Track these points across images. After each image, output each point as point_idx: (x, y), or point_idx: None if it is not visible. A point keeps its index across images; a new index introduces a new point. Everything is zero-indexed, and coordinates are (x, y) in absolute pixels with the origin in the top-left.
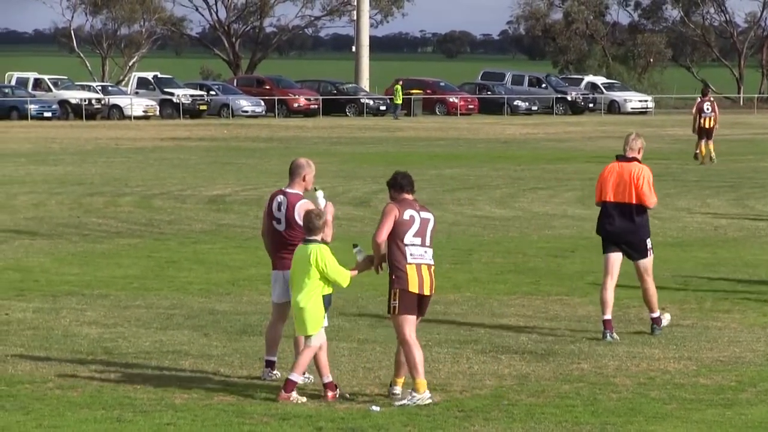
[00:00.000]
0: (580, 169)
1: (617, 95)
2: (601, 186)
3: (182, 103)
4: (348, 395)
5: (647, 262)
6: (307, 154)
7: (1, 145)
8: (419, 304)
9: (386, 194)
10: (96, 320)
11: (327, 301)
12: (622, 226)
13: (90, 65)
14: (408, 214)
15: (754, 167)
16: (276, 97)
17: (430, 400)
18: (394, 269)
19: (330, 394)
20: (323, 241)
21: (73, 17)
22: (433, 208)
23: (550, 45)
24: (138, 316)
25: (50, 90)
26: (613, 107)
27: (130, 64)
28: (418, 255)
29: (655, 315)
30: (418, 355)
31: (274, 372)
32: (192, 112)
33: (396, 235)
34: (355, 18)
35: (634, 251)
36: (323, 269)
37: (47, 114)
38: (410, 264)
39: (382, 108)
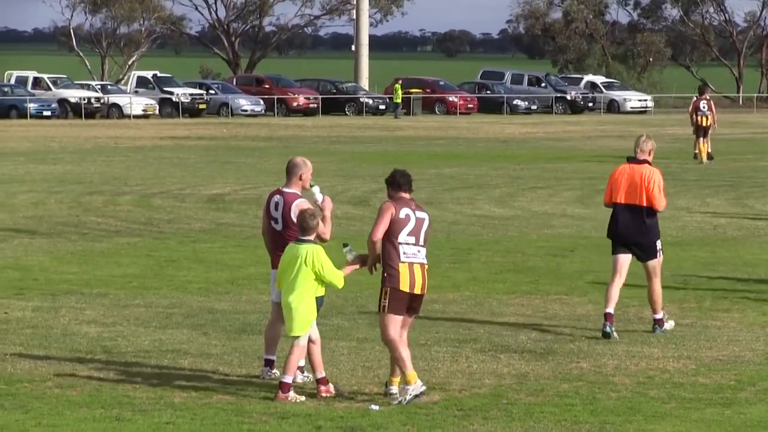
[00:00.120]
0: (579, 169)
1: (617, 94)
2: (612, 187)
3: (181, 102)
4: (344, 392)
5: (656, 264)
6: (307, 153)
7: (1, 144)
8: (411, 303)
9: (386, 193)
10: (95, 319)
11: (319, 303)
12: (633, 228)
13: (89, 64)
14: (404, 212)
15: (754, 166)
16: (275, 96)
17: (423, 388)
18: (387, 267)
19: (323, 389)
20: (321, 239)
21: (72, 16)
22: (433, 207)
23: (550, 44)
24: (137, 315)
25: (49, 89)
26: (613, 106)
27: (130, 63)
28: (411, 254)
29: (658, 316)
30: (404, 351)
31: (273, 371)
32: (191, 111)
33: (390, 234)
34: (354, 17)
35: (644, 252)
36: (319, 270)
37: (46, 113)
38: (403, 263)
39: (382, 107)
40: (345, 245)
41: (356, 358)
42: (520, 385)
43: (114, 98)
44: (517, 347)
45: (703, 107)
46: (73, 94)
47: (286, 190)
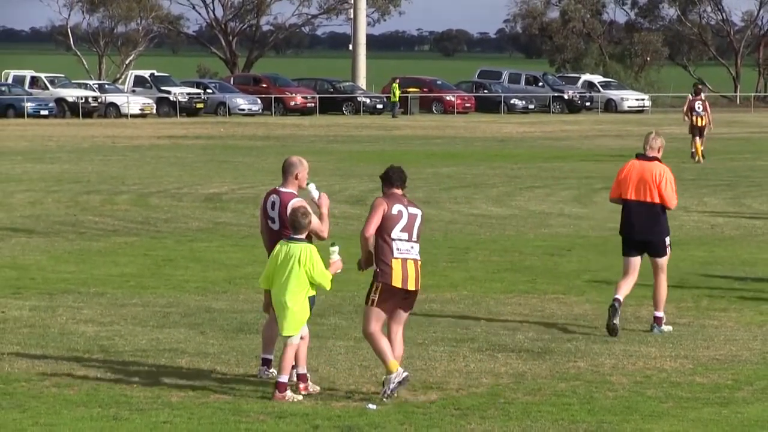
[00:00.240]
0: (576, 168)
1: (614, 94)
2: (620, 183)
3: (179, 102)
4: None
5: (664, 261)
6: (304, 153)
7: None
8: (405, 299)
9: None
10: (92, 318)
11: (311, 302)
12: (645, 225)
13: (87, 63)
14: (396, 209)
15: (751, 166)
16: (273, 96)
17: (405, 374)
18: (380, 263)
19: (302, 386)
20: (318, 237)
21: (69, 15)
22: (430, 206)
23: (547, 43)
24: (134, 314)
25: (47, 88)
26: (610, 106)
27: (127, 62)
28: (405, 250)
29: (659, 314)
30: (384, 343)
31: (271, 370)
32: (189, 110)
33: (383, 230)
34: (352, 16)
35: (654, 249)
36: (309, 270)
37: (44, 112)
38: (396, 258)
39: (379, 106)
40: (333, 244)
41: (353, 358)
42: (517, 385)
43: (111, 97)
44: (515, 346)
45: (698, 108)
46: (71, 94)
47: (282, 189)
